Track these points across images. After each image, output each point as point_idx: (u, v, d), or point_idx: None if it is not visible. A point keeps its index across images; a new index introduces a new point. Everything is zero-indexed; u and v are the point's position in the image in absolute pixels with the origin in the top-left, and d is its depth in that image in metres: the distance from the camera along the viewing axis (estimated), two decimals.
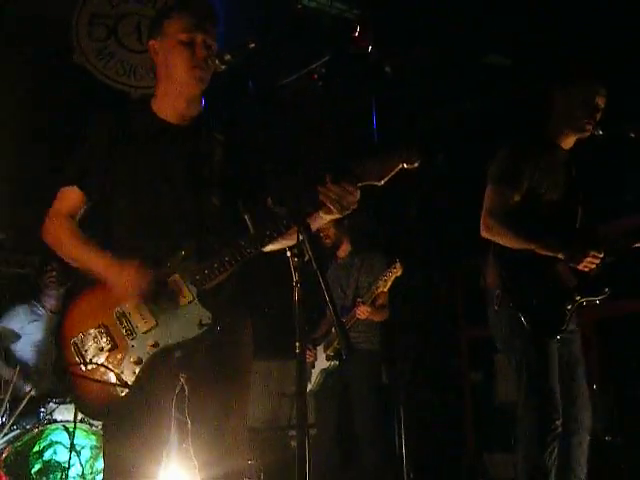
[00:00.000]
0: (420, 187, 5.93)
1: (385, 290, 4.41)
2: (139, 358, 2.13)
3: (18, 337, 4.34)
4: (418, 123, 5.34)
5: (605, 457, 4.38)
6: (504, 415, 5.41)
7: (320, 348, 4.61)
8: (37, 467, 3.61)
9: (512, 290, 3.06)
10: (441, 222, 5.99)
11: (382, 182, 2.04)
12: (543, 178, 3.14)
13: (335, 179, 2.04)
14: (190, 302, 2.14)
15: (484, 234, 3.14)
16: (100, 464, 3.66)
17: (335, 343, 4.51)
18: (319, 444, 4.54)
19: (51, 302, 4.56)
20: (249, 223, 2.23)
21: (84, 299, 2.24)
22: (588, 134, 3.17)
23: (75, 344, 2.17)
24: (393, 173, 2.04)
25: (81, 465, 3.61)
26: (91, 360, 2.14)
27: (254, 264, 2.28)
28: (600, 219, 3.38)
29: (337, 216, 2.10)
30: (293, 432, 5.22)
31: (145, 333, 2.15)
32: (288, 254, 1.91)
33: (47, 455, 3.65)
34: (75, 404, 2.41)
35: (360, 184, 2.06)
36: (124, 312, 2.17)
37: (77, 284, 2.29)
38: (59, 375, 2.24)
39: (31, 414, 3.92)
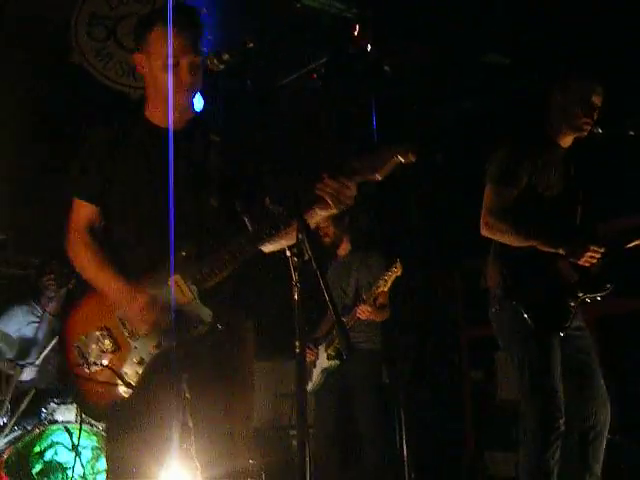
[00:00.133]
0: (419, 186, 5.93)
1: (385, 290, 4.40)
2: (142, 359, 2.15)
3: (15, 341, 4.34)
4: (417, 122, 5.34)
5: (606, 455, 4.37)
6: (505, 414, 5.41)
7: (321, 347, 4.61)
8: (38, 468, 3.61)
9: (514, 288, 3.06)
10: (441, 222, 5.99)
11: (379, 177, 2.03)
12: (542, 177, 3.14)
13: (332, 174, 2.04)
14: (191, 301, 2.15)
15: (484, 232, 3.14)
16: (101, 465, 3.66)
17: (336, 342, 4.51)
18: (319, 443, 4.54)
19: (50, 304, 4.55)
20: (248, 223, 2.23)
21: (87, 303, 2.27)
22: (586, 133, 3.18)
23: (78, 347, 2.19)
24: (389, 167, 2.03)
25: (82, 466, 3.61)
26: (94, 362, 2.15)
27: (255, 264, 2.29)
28: (599, 218, 3.38)
29: (334, 211, 2.10)
30: (294, 432, 5.23)
31: (147, 334, 2.17)
32: (287, 253, 1.91)
33: (48, 456, 3.65)
34: (79, 406, 2.43)
35: (357, 179, 2.06)
36: (126, 315, 2.19)
37: (79, 288, 2.33)
38: (63, 378, 2.26)
39: (32, 415, 3.92)
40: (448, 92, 5.25)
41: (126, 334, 2.18)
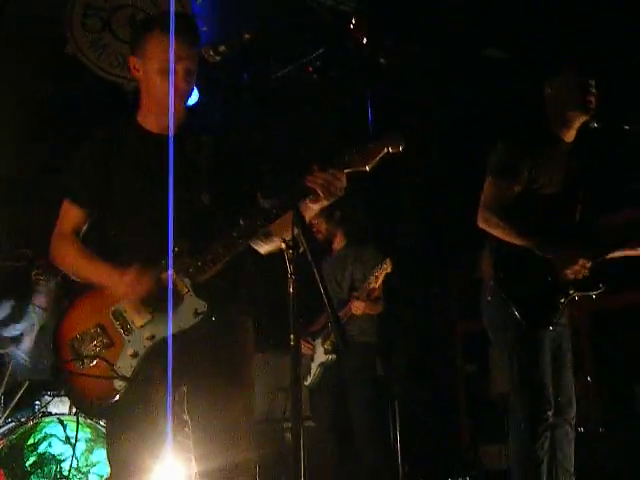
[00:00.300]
0: (415, 180, 5.94)
1: (376, 286, 4.45)
2: (135, 352, 2.15)
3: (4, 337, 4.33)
4: (414, 116, 5.33)
5: (597, 449, 4.41)
6: (499, 407, 5.44)
7: (318, 342, 4.62)
8: (32, 460, 3.61)
9: (504, 281, 3.07)
10: (436, 216, 6.00)
11: (368, 168, 2.08)
12: (543, 171, 3.14)
13: (322, 166, 2.06)
14: (184, 294, 2.15)
15: (480, 225, 3.14)
16: (95, 457, 3.66)
17: (332, 337, 4.52)
18: (316, 438, 4.55)
19: (40, 298, 4.54)
20: (240, 218, 2.23)
21: (80, 303, 2.28)
22: (592, 114, 3.15)
23: (72, 345, 2.20)
24: (378, 158, 2.07)
25: (76, 458, 3.61)
26: (87, 357, 2.16)
27: (250, 257, 2.30)
28: (599, 214, 3.39)
29: (324, 203, 2.12)
30: (288, 424, 5.23)
31: (141, 327, 2.17)
32: (282, 246, 1.91)
33: (42, 448, 3.65)
34: (72, 402, 2.43)
35: (347, 170, 2.09)
36: (120, 310, 2.20)
37: (73, 290, 2.33)
38: (57, 376, 2.25)
39: (26, 407, 3.91)
40: (446, 87, 5.25)
41: (120, 329, 2.18)
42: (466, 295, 6.01)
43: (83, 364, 2.16)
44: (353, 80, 4.84)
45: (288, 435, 5.22)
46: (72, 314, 2.27)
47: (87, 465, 3.64)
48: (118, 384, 2.12)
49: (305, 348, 4.59)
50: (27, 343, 4.45)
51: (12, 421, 3.77)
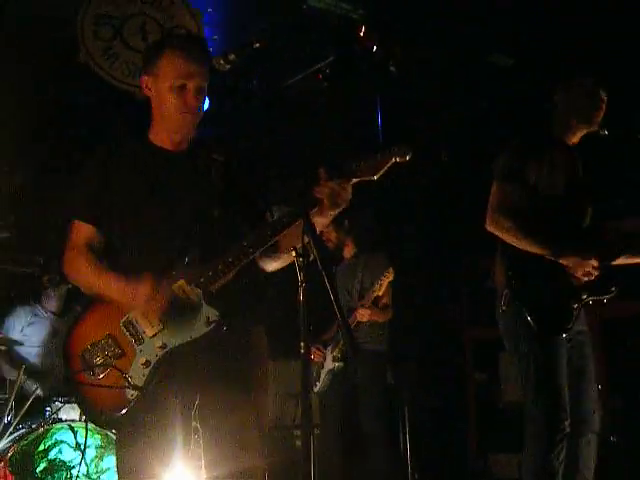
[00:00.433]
0: (424, 187, 5.93)
1: (380, 294, 4.47)
2: (147, 361, 2.15)
3: (18, 343, 4.35)
4: (422, 122, 5.34)
5: (610, 458, 4.37)
6: (508, 415, 5.41)
7: (328, 349, 4.63)
8: (42, 466, 3.62)
9: (518, 289, 3.05)
10: (444, 222, 5.99)
11: (376, 177, 2.12)
12: (549, 176, 3.14)
13: (329, 175, 2.09)
14: (196, 303, 2.16)
15: (490, 228, 3.13)
16: (105, 463, 3.67)
17: (341, 344, 4.53)
18: (324, 445, 4.54)
19: (51, 303, 4.56)
20: (250, 228, 2.26)
21: (90, 314, 2.29)
22: (597, 127, 3.17)
23: (83, 357, 2.20)
24: (386, 168, 2.12)
25: (86, 464, 3.62)
26: (99, 367, 2.16)
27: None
28: (608, 217, 3.37)
29: (330, 214, 2.15)
30: (298, 432, 5.23)
31: (152, 337, 2.17)
32: (293, 254, 1.92)
33: (52, 454, 3.66)
34: (83, 413, 2.43)
35: (355, 180, 2.12)
36: (130, 320, 2.20)
37: (85, 297, 2.34)
38: (68, 386, 2.25)
39: (36, 413, 3.93)
40: (453, 92, 5.25)
41: (131, 339, 2.18)
42: (476, 303, 5.99)
43: (94, 374, 2.17)
44: (362, 87, 4.85)
45: (298, 442, 5.22)
46: (82, 325, 2.27)
47: (97, 472, 3.65)
48: (130, 393, 2.13)
49: (316, 356, 4.60)
50: (38, 348, 4.47)
51: (23, 427, 3.79)
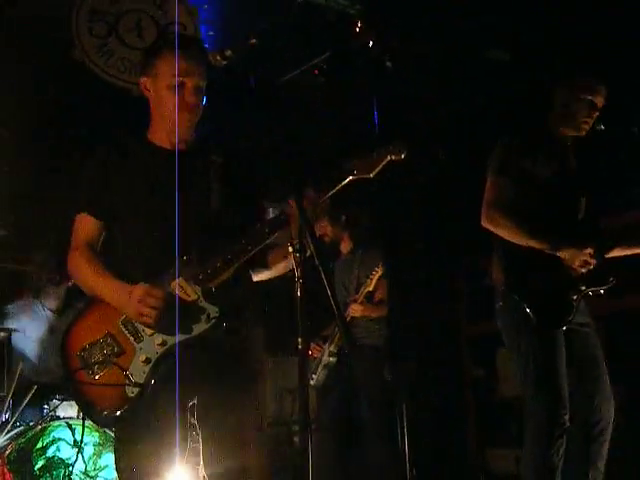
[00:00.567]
0: (421, 183, 5.93)
1: (371, 289, 4.50)
2: (148, 358, 2.15)
3: (13, 331, 4.34)
4: (419, 117, 5.34)
5: (611, 451, 4.37)
6: (506, 411, 5.42)
7: (325, 345, 4.64)
8: (40, 464, 3.62)
9: (516, 283, 3.06)
10: (442, 219, 5.99)
11: (372, 175, 2.19)
12: (543, 170, 3.14)
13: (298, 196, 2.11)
14: (195, 300, 2.17)
15: (485, 224, 3.13)
16: (103, 461, 3.67)
17: (336, 339, 4.54)
18: (321, 440, 4.55)
19: (50, 301, 4.56)
20: (248, 226, 2.27)
21: (89, 313, 2.29)
22: (584, 133, 3.18)
23: (82, 356, 2.20)
24: (382, 166, 2.18)
25: (84, 462, 3.62)
26: (98, 366, 2.16)
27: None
28: (602, 212, 3.38)
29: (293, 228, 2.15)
30: (296, 427, 5.23)
31: (152, 335, 2.18)
32: (290, 250, 1.92)
33: (50, 452, 3.66)
34: (82, 411, 2.44)
35: (351, 177, 2.18)
36: (129, 318, 2.20)
37: (83, 296, 2.35)
38: (68, 385, 2.25)
39: (34, 411, 3.92)
40: (450, 88, 5.25)
41: (130, 337, 2.18)
42: (474, 299, 6.00)
43: (93, 372, 2.16)
44: (359, 82, 4.85)
45: (296, 438, 5.22)
46: (81, 324, 2.27)
47: (95, 469, 3.65)
48: (131, 391, 2.12)
49: (315, 351, 4.61)
50: (36, 345, 4.47)
51: (21, 425, 3.78)
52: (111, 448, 3.55)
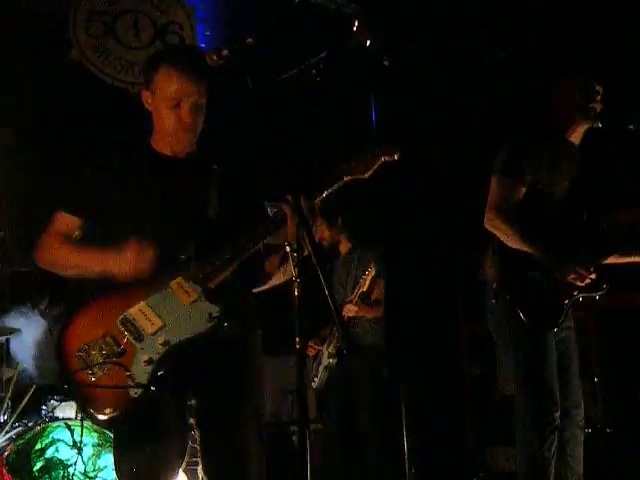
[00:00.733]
0: (419, 181, 5.93)
1: (365, 289, 4.49)
2: (150, 358, 2.14)
3: (17, 331, 4.33)
4: (417, 117, 5.34)
5: (606, 449, 4.39)
6: (505, 409, 5.41)
7: (324, 345, 4.63)
8: (39, 465, 3.61)
9: (509, 283, 3.06)
10: (440, 217, 5.99)
11: (367, 176, 2.21)
12: (548, 171, 3.13)
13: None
14: (195, 300, 2.17)
15: (487, 226, 3.13)
16: (102, 462, 3.67)
17: (335, 341, 4.54)
18: (323, 441, 4.55)
19: (49, 301, 4.56)
20: (248, 225, 2.27)
21: (84, 314, 2.25)
22: (592, 122, 3.17)
23: (80, 357, 2.17)
24: (376, 166, 2.21)
25: (83, 462, 3.62)
26: (99, 367, 2.15)
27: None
28: (605, 214, 3.38)
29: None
30: (294, 428, 5.23)
31: (153, 334, 2.16)
32: (287, 249, 1.92)
33: (49, 453, 3.65)
34: (83, 412, 2.43)
35: (347, 178, 2.20)
36: (128, 318, 2.18)
37: (75, 302, 2.32)
38: (68, 387, 2.23)
39: (33, 412, 3.92)
40: (447, 87, 5.25)
41: (130, 337, 2.16)
42: (471, 296, 5.99)
43: (93, 373, 2.14)
44: (356, 82, 4.84)
45: (295, 438, 5.22)
46: (76, 325, 2.23)
47: (94, 470, 3.64)
48: (134, 392, 2.11)
49: (310, 351, 4.60)
50: (35, 347, 4.46)
51: (19, 426, 3.78)
52: (110, 449, 3.55)
